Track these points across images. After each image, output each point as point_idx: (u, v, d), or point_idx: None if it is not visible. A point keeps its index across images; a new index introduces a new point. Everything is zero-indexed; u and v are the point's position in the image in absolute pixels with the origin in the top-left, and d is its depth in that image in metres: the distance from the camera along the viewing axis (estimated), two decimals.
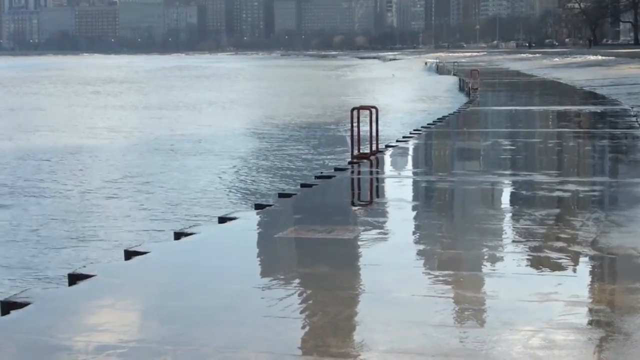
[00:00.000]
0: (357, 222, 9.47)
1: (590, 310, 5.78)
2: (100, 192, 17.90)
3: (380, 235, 8.56)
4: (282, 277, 6.76)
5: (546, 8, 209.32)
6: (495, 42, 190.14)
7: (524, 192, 11.08)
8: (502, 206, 10.48)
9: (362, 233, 8.55)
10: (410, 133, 19.34)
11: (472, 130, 21.24)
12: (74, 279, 6.82)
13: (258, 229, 9.13)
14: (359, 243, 8.13)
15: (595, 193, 11.02)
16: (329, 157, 22.37)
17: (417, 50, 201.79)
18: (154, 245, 8.39)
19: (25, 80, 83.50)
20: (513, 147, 16.33)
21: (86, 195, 17.55)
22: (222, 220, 9.35)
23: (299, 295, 6.23)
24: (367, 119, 15.26)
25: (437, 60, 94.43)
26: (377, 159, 14.54)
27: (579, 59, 76.06)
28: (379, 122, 15.53)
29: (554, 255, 7.35)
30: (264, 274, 7.09)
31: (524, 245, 7.83)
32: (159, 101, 50.13)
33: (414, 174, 13.81)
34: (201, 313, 5.77)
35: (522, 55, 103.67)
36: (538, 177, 12.04)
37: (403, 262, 7.31)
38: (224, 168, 21.31)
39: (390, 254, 7.65)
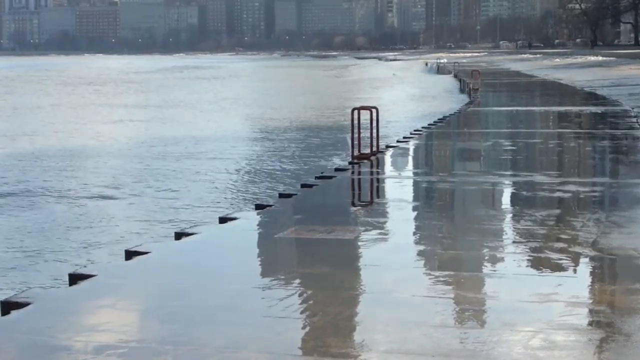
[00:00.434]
0: (358, 222, 9.46)
1: (591, 311, 5.77)
2: (101, 192, 17.90)
3: (381, 236, 8.56)
4: (282, 277, 6.76)
5: (547, 9, 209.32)
6: (502, 42, 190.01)
7: (524, 192, 11.07)
8: (503, 207, 10.47)
9: (362, 233, 8.55)
10: (411, 133, 19.33)
11: (473, 130, 21.25)
12: (75, 278, 6.83)
13: (258, 229, 9.12)
14: (360, 243, 8.12)
15: (596, 194, 11.02)
16: (329, 157, 22.37)
17: (417, 51, 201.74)
18: (154, 246, 8.39)
19: (27, 80, 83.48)
20: (514, 148, 16.33)
21: (86, 195, 17.54)
22: (223, 220, 9.35)
23: (299, 295, 6.23)
24: (368, 119, 15.26)
25: (438, 61, 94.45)
26: (377, 159, 14.55)
27: (580, 59, 76.12)
28: (380, 122, 15.54)
29: (554, 255, 7.35)
30: (264, 274, 7.09)
31: (525, 245, 7.83)
32: (159, 101, 50.14)
33: (415, 174, 13.82)
34: (201, 313, 5.77)
35: (523, 55, 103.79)
36: (538, 178, 12.04)
37: (403, 262, 7.31)
38: (224, 168, 21.32)
39: (391, 255, 7.65)
